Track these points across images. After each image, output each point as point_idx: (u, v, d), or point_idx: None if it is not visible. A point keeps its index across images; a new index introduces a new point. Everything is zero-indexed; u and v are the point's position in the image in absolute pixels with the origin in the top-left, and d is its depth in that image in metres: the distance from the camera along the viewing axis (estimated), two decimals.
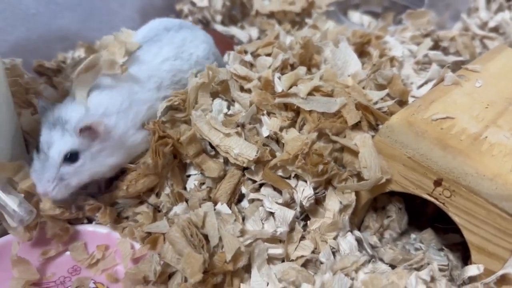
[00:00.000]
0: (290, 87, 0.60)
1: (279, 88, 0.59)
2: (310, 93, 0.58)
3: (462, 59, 0.73)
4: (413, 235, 0.61)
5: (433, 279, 0.45)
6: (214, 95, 0.61)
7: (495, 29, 0.91)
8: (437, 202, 0.52)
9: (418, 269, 0.49)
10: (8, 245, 0.54)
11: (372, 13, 1.07)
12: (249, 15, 0.87)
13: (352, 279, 0.47)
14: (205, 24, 0.86)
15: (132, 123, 0.58)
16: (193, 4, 0.85)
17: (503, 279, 0.48)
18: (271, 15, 0.82)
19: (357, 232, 0.56)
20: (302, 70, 0.61)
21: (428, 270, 0.45)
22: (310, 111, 0.57)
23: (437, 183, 0.51)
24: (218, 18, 0.85)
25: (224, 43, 0.78)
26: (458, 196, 0.50)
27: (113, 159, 0.56)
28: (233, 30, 0.83)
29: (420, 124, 0.52)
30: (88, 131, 0.52)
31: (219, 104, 0.59)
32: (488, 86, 0.60)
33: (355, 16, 1.02)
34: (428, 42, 0.75)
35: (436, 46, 0.79)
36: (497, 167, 0.48)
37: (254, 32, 0.84)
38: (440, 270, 0.49)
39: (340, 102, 0.56)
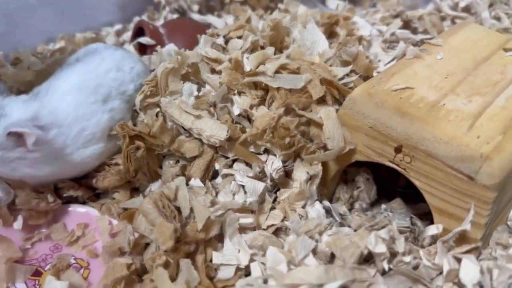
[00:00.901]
0: (258, 66, 0.62)
1: (247, 67, 0.62)
2: (277, 71, 0.60)
3: (429, 37, 0.75)
4: (383, 206, 0.63)
5: (392, 238, 0.48)
6: (185, 77, 0.63)
7: (467, 9, 0.93)
8: (399, 169, 0.54)
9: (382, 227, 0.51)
10: None
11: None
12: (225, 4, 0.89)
13: (316, 241, 0.49)
14: (182, 14, 0.88)
15: (73, 141, 0.56)
16: None
17: (461, 236, 0.50)
18: (244, 1, 0.85)
19: (326, 202, 0.58)
20: (270, 50, 0.64)
21: (387, 229, 0.47)
22: (278, 88, 0.59)
23: (398, 149, 0.53)
24: (195, 7, 0.88)
25: (201, 32, 0.80)
26: (417, 161, 0.52)
27: (33, 170, 0.54)
28: (210, 19, 0.86)
29: (380, 94, 0.55)
30: (16, 137, 0.51)
31: (189, 87, 0.61)
32: (449, 58, 0.62)
33: (333, 2, 1.04)
34: (398, 22, 0.77)
35: (406, 26, 0.81)
36: (453, 130, 0.51)
37: (230, 20, 0.86)
38: (401, 232, 0.51)
39: (305, 78, 0.59)
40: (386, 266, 0.46)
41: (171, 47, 0.74)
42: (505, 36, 0.68)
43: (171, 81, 0.61)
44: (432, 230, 0.51)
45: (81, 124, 0.57)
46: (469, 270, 0.45)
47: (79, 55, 0.65)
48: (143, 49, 0.79)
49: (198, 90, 0.63)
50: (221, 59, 0.65)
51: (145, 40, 0.77)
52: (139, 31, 0.81)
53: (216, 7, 0.93)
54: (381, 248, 0.46)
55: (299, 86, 0.59)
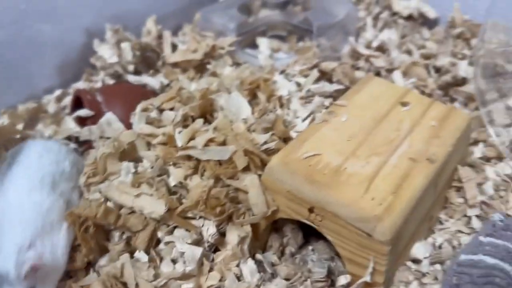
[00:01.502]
0: (190, 140, 0.70)
1: (179, 143, 0.69)
2: (206, 144, 0.69)
3: (343, 87, 0.85)
4: (310, 247, 0.73)
5: None
6: (123, 156, 0.70)
7: (380, 47, 1.04)
8: (313, 225, 0.63)
9: (301, 284, 0.61)
10: None
11: (278, 37, 1.18)
12: (160, 62, 0.95)
13: None
14: (118, 77, 0.94)
15: (52, 236, 0.60)
16: (104, 60, 0.93)
17: (367, 282, 0.60)
18: (175, 64, 0.91)
19: (258, 256, 0.67)
20: (198, 123, 0.71)
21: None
22: (208, 160, 0.68)
23: (310, 210, 0.62)
24: (131, 67, 0.93)
25: (138, 95, 0.86)
26: (327, 220, 0.61)
27: (57, 273, 0.61)
28: (145, 79, 0.92)
29: (293, 163, 0.64)
30: (29, 270, 0.55)
31: (127, 166, 0.68)
32: (353, 119, 0.71)
33: (264, 42, 1.12)
34: (315, 73, 0.86)
35: (324, 74, 0.91)
36: (352, 194, 0.60)
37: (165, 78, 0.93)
38: (318, 281, 0.61)
39: (230, 150, 0.67)
40: None
41: (109, 116, 0.80)
42: (403, 89, 0.78)
43: (109, 164, 0.68)
44: (342, 280, 0.61)
45: (47, 220, 0.61)
46: None
47: (9, 160, 0.68)
48: (83, 120, 0.84)
49: (136, 166, 0.70)
50: (155, 134, 0.72)
51: (83, 112, 0.82)
52: (77, 100, 0.86)
53: (153, 63, 0.98)
54: None
55: (225, 158, 0.67)
